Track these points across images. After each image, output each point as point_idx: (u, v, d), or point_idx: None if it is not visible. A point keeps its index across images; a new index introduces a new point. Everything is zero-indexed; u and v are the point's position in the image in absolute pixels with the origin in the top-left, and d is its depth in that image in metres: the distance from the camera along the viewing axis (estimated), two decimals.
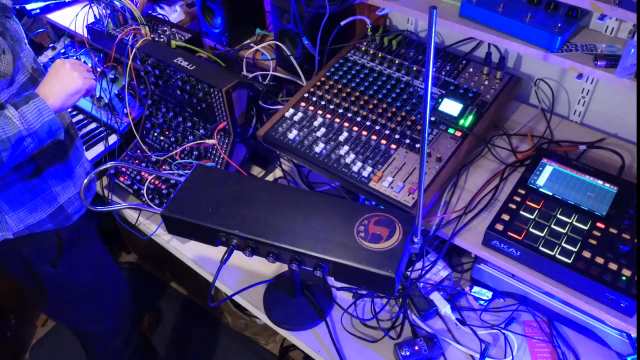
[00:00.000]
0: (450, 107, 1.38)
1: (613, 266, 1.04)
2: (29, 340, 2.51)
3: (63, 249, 1.52)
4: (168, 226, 1.23)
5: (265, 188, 1.24)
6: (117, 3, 1.82)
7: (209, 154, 1.62)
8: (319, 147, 1.37)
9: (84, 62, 1.97)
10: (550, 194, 1.18)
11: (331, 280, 1.47)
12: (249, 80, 1.64)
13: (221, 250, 1.21)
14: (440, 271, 1.46)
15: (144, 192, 1.63)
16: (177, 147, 1.68)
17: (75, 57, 2.01)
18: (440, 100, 1.40)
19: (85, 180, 1.27)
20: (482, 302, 1.41)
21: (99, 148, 1.79)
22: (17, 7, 1.68)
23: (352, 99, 1.47)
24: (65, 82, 1.28)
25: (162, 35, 1.83)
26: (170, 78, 1.63)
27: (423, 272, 1.41)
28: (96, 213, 1.88)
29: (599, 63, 1.08)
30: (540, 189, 1.20)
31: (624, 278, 1.02)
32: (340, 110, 1.44)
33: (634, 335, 1.12)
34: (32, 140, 1.21)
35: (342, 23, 1.54)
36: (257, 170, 1.80)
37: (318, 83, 1.53)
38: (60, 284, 1.59)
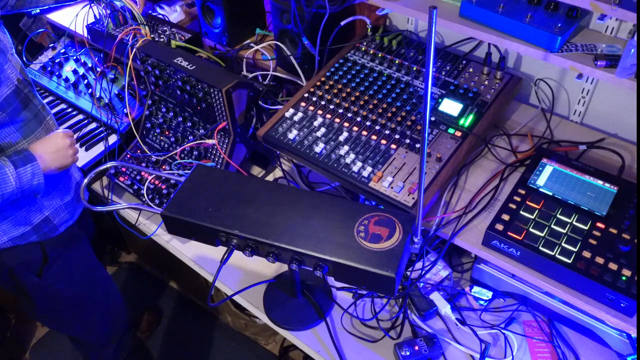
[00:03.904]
0: (450, 107, 1.38)
1: (613, 266, 1.04)
2: (29, 340, 2.51)
3: (48, 261, 1.51)
4: (168, 226, 1.23)
5: (265, 188, 1.24)
6: (117, 3, 1.82)
7: (209, 154, 1.62)
8: (319, 147, 1.37)
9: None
10: (550, 194, 1.18)
11: (331, 280, 1.47)
12: (249, 80, 1.64)
13: (221, 250, 1.21)
14: (440, 271, 1.46)
15: (144, 192, 1.63)
16: (177, 147, 1.68)
17: (75, 58, 2.02)
18: (440, 100, 1.40)
19: (86, 180, 1.27)
20: (482, 302, 1.41)
21: (99, 148, 1.78)
22: (16, 12, 1.68)
23: (352, 99, 1.47)
24: (60, 155, 1.37)
25: (162, 35, 1.83)
26: (170, 78, 1.63)
27: (423, 272, 1.41)
28: (95, 214, 1.88)
29: (599, 63, 1.08)
30: (540, 189, 1.20)
31: (624, 278, 1.02)
32: (340, 110, 1.44)
33: (634, 335, 1.12)
34: (16, 194, 1.28)
35: (342, 23, 1.54)
36: (257, 170, 1.80)
37: (318, 83, 1.53)
38: (47, 294, 1.58)
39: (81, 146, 1.79)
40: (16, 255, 1.45)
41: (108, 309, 1.83)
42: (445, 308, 1.37)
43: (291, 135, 1.41)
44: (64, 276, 1.59)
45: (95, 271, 1.76)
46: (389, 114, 1.41)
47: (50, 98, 1.99)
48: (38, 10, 2.10)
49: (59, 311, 1.66)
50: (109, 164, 1.32)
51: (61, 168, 1.39)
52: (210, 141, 1.61)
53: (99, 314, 1.79)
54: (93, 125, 1.87)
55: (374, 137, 1.37)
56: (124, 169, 1.73)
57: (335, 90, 1.50)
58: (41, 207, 1.44)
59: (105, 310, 1.81)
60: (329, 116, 1.44)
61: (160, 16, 2.00)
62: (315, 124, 1.43)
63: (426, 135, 0.91)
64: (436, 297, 1.40)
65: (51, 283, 1.55)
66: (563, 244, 1.09)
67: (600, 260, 1.05)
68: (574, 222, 1.12)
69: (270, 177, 1.78)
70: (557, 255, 1.08)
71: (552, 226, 1.12)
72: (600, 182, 1.18)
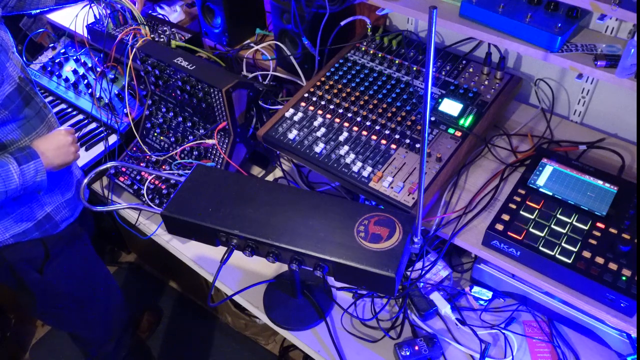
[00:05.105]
0: (450, 107, 1.38)
1: (613, 266, 1.04)
2: (29, 340, 2.51)
3: (49, 257, 1.51)
4: (168, 226, 1.23)
5: (265, 188, 1.24)
6: (117, 4, 1.82)
7: (209, 154, 1.62)
8: (319, 147, 1.37)
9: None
10: (550, 194, 1.18)
11: (331, 280, 1.47)
12: (249, 80, 1.64)
13: (221, 250, 1.21)
14: (440, 271, 1.46)
15: (144, 192, 1.63)
16: (177, 147, 1.68)
17: (75, 58, 2.02)
18: (440, 100, 1.40)
19: (86, 180, 1.27)
20: (482, 302, 1.41)
21: (99, 148, 1.79)
22: (16, 13, 1.68)
23: (352, 99, 1.47)
24: (62, 152, 1.38)
25: (162, 35, 1.83)
26: (170, 78, 1.63)
27: (423, 272, 1.41)
28: (95, 213, 1.88)
29: (599, 63, 1.08)
30: (540, 189, 1.20)
31: (624, 278, 1.02)
32: (340, 110, 1.44)
33: (634, 335, 1.12)
34: (20, 191, 1.29)
35: (342, 23, 1.54)
36: (257, 170, 1.80)
37: (318, 83, 1.53)
38: (47, 291, 1.58)
39: (81, 146, 1.79)
40: (17, 251, 1.45)
41: (108, 307, 1.83)
42: (445, 308, 1.37)
43: (291, 135, 1.41)
44: (64, 273, 1.59)
45: (96, 268, 1.77)
46: (389, 114, 1.41)
47: (50, 98, 1.99)
48: (38, 11, 2.11)
49: (59, 308, 1.66)
50: (109, 164, 1.32)
51: (63, 165, 1.39)
52: (210, 141, 1.61)
53: (99, 312, 1.79)
54: (93, 125, 1.88)
55: (374, 137, 1.37)
56: (124, 169, 1.73)
57: (335, 90, 1.50)
58: (42, 204, 1.44)
59: (104, 309, 1.82)
60: (329, 116, 1.44)
61: (160, 16, 2.00)
62: (315, 124, 1.43)
63: (426, 135, 0.91)
64: (436, 297, 1.40)
65: (52, 279, 1.56)
66: (563, 244, 1.09)
67: (600, 260, 1.05)
68: (574, 222, 1.12)
69: (270, 177, 1.78)
70: (557, 255, 1.08)
71: (552, 226, 1.12)
72: (600, 182, 1.18)
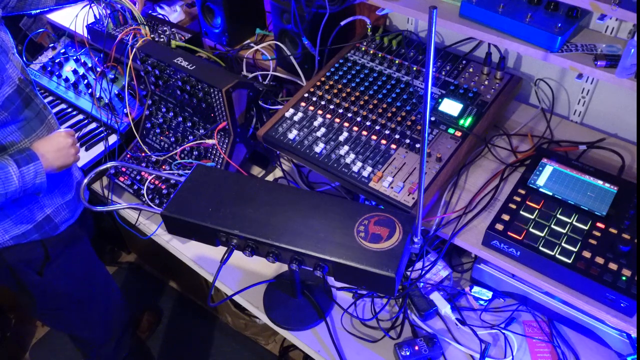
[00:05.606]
0: (450, 107, 1.38)
1: (613, 266, 1.04)
2: (29, 340, 2.51)
3: (50, 259, 1.51)
4: (168, 226, 1.23)
5: (265, 188, 1.24)
6: (117, 4, 1.82)
7: (209, 154, 1.62)
8: (319, 147, 1.37)
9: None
10: (550, 194, 1.18)
11: (331, 280, 1.47)
12: (249, 80, 1.64)
13: (221, 250, 1.21)
14: (440, 271, 1.46)
15: (144, 192, 1.63)
16: (177, 147, 1.68)
17: (75, 58, 2.02)
18: (440, 100, 1.40)
19: (86, 180, 1.27)
20: (482, 302, 1.41)
21: (99, 148, 1.79)
22: (16, 14, 1.69)
23: (352, 99, 1.47)
24: (62, 154, 1.38)
25: (162, 35, 1.83)
26: (170, 78, 1.63)
27: (423, 272, 1.41)
28: (95, 214, 1.88)
29: (599, 63, 1.08)
30: (540, 189, 1.20)
31: (624, 278, 1.02)
32: (340, 110, 1.44)
33: (634, 335, 1.12)
34: (19, 193, 1.29)
35: (342, 23, 1.54)
36: (257, 170, 1.80)
37: (318, 83, 1.53)
38: (47, 292, 1.58)
39: (81, 146, 1.79)
40: (17, 253, 1.45)
41: (108, 307, 1.83)
42: (445, 308, 1.37)
43: (291, 135, 1.41)
44: (64, 274, 1.59)
45: (96, 269, 1.76)
46: (389, 114, 1.41)
47: (50, 98, 1.99)
48: (38, 11, 2.11)
49: (59, 309, 1.67)
50: (109, 164, 1.32)
51: (63, 167, 1.39)
52: (210, 141, 1.61)
53: (99, 312, 1.79)
54: (93, 125, 1.88)
55: (374, 137, 1.37)
56: (124, 169, 1.73)
57: (335, 90, 1.50)
58: (42, 206, 1.44)
59: (104, 309, 1.82)
60: (329, 116, 1.44)
61: (160, 16, 2.00)
62: (315, 124, 1.43)
63: (426, 135, 0.91)
64: (436, 297, 1.40)
65: (52, 281, 1.56)
66: (563, 244, 1.09)
67: (600, 260, 1.05)
68: (574, 222, 1.12)
69: (270, 177, 1.78)
70: (557, 255, 1.08)
71: (552, 226, 1.12)
72: (600, 182, 1.18)
